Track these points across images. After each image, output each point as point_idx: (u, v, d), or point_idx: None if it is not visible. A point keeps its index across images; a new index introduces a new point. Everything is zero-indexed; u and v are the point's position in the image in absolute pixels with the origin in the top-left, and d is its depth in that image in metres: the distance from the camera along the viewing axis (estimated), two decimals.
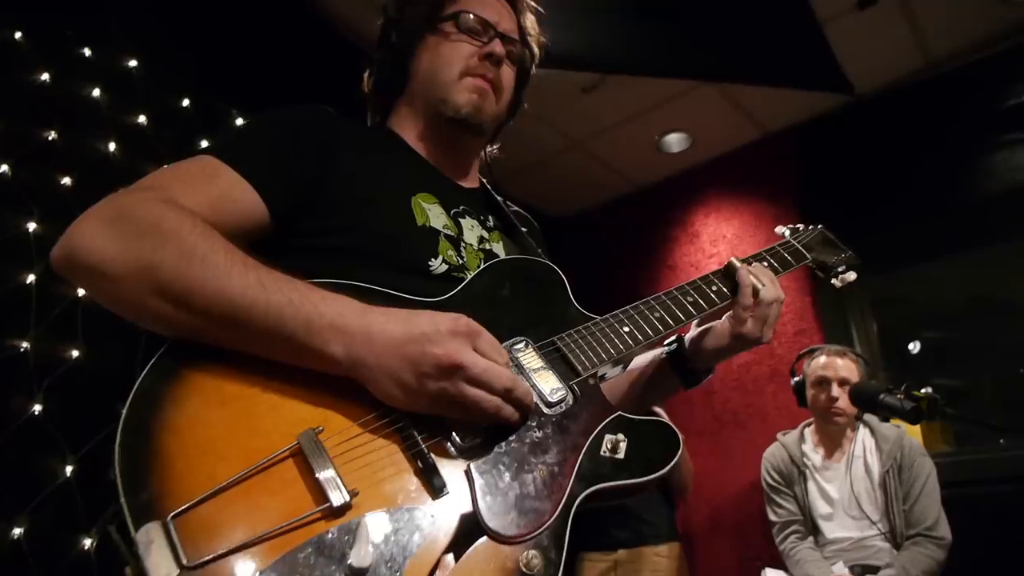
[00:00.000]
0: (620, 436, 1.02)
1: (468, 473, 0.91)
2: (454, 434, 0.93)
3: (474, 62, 1.30)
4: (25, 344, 2.15)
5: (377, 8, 3.44)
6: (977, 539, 3.03)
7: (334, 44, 3.55)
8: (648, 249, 5.06)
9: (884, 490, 2.96)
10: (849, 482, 3.05)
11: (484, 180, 1.50)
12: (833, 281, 1.57)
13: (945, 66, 4.04)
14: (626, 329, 1.18)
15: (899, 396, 2.28)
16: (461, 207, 1.30)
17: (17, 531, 1.98)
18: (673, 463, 1.01)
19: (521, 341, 1.09)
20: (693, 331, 1.37)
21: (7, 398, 2.08)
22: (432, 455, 0.89)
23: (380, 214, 1.16)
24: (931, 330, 4.23)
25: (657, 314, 1.23)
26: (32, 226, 2.27)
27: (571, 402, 1.04)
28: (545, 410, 1.01)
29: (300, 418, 0.88)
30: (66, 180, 2.40)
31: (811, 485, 3.15)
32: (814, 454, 3.19)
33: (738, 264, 1.29)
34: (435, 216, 1.22)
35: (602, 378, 1.19)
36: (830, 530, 3.04)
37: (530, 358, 1.06)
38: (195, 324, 0.89)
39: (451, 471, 0.90)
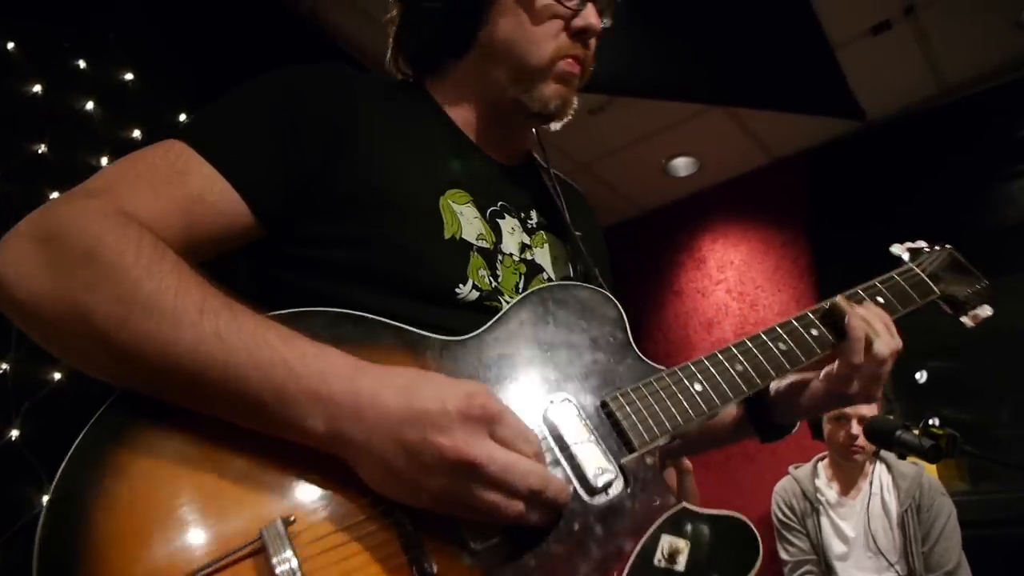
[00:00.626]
0: (681, 541, 0.81)
1: None
2: (464, 533, 0.73)
3: (565, 41, 1.04)
4: (4, 366, 2.06)
5: (374, 23, 3.37)
6: None
7: (332, 57, 3.49)
8: (654, 274, 4.98)
9: (903, 530, 2.84)
10: (865, 520, 2.94)
11: (535, 153, 1.24)
12: (964, 319, 1.29)
13: (958, 93, 4.00)
14: (698, 388, 0.93)
15: (916, 433, 2.20)
16: (499, 203, 1.06)
17: None
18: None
19: (563, 401, 0.86)
20: (777, 381, 1.12)
21: None
22: (434, 562, 0.70)
23: (400, 223, 0.92)
24: (941, 360, 4.14)
25: (739, 367, 0.98)
26: None
27: (621, 488, 0.82)
28: (586, 498, 0.80)
29: (269, 502, 0.70)
30: (55, 195, 2.31)
31: (825, 522, 3.04)
32: (828, 490, 3.08)
33: (846, 307, 1.05)
34: (468, 222, 0.99)
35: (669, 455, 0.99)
36: (845, 571, 2.92)
37: (572, 425, 0.84)
38: (145, 383, 0.72)
39: None
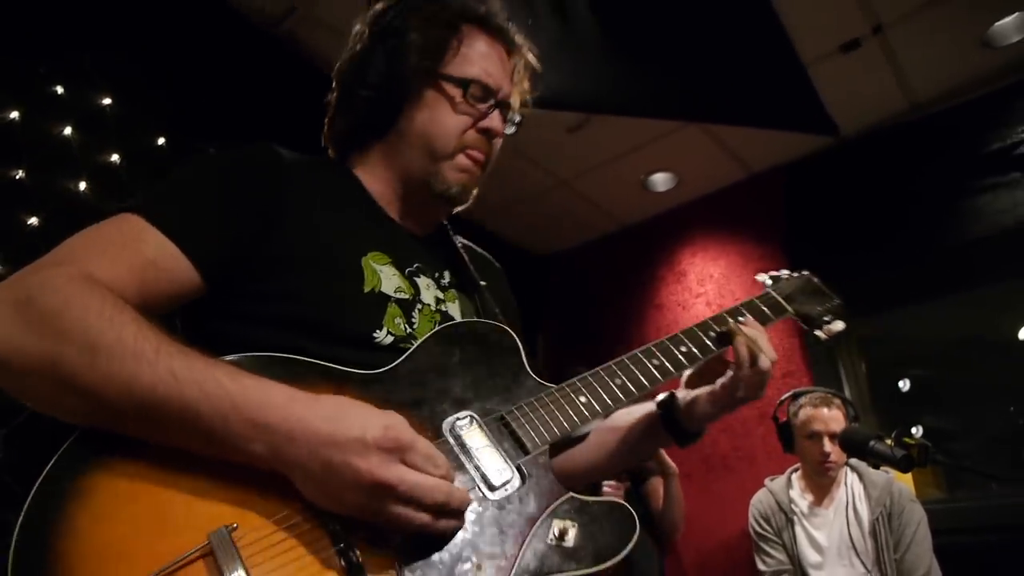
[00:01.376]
0: (569, 522, 0.94)
1: (398, 572, 0.84)
2: (383, 529, 0.85)
3: (471, 137, 1.21)
4: None
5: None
6: None
7: (312, 81, 3.52)
8: (635, 288, 5.03)
9: (875, 537, 2.89)
10: (838, 529, 2.99)
11: (447, 224, 1.39)
12: (817, 332, 1.47)
13: (928, 109, 4.07)
14: (583, 399, 1.09)
15: (889, 443, 2.23)
16: (416, 264, 1.20)
17: None
18: (626, 552, 0.93)
19: (466, 417, 1.01)
20: (684, 394, 1.30)
21: None
22: (358, 553, 0.82)
23: (324, 279, 1.06)
24: (918, 370, 4.21)
25: (618, 380, 1.14)
26: None
27: (517, 484, 0.96)
28: (488, 494, 0.94)
29: (215, 513, 0.81)
30: (33, 220, 2.33)
31: (799, 532, 3.08)
32: (802, 500, 3.13)
33: (735, 329, 1.22)
34: (387, 278, 1.13)
35: (562, 448, 1.14)
36: None
37: (475, 436, 0.99)
38: (108, 420, 0.82)
39: (379, 570, 0.83)
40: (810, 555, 3.02)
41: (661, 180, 4.66)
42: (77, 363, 0.80)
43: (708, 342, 1.26)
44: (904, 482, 3.09)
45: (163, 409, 0.80)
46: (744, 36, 3.47)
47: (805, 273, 1.54)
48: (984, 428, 4.01)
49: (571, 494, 0.98)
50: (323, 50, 3.49)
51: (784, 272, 1.54)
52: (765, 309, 1.38)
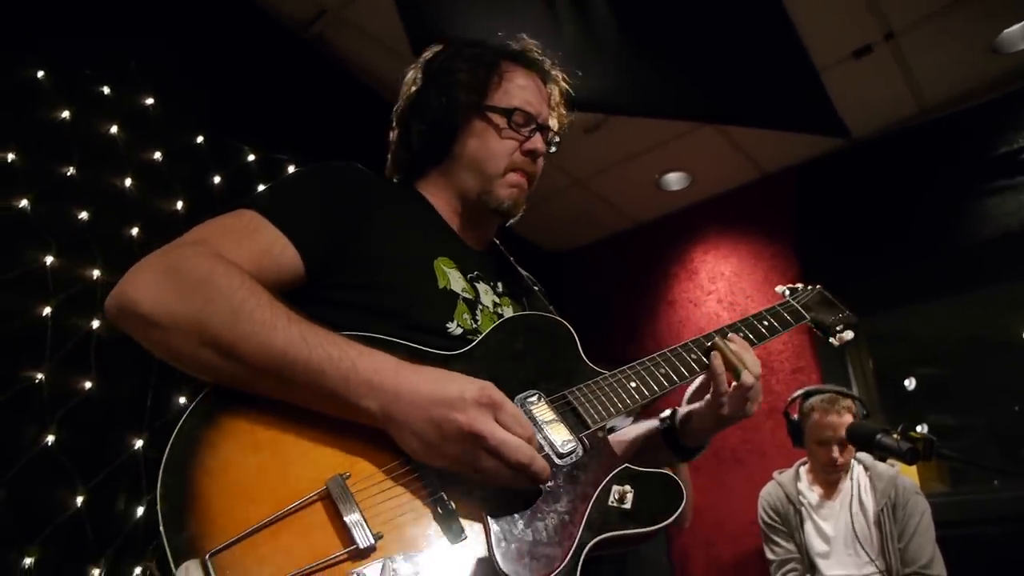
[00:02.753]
0: (627, 487, 1.07)
1: (484, 520, 0.95)
2: (471, 483, 0.98)
3: (518, 158, 1.37)
4: (40, 375, 2.19)
5: (387, 49, 3.51)
6: None
7: (345, 83, 3.65)
8: (647, 285, 5.12)
9: (879, 528, 2.98)
10: (844, 520, 3.08)
11: (497, 242, 1.55)
12: (831, 340, 1.61)
13: (938, 113, 4.14)
14: (633, 384, 1.23)
15: (895, 437, 2.32)
16: (475, 272, 1.34)
17: (28, 561, 2.00)
18: (678, 514, 1.06)
19: (534, 394, 1.13)
20: (683, 408, 1.42)
21: (21, 428, 2.12)
22: (451, 502, 0.94)
23: (404, 275, 1.21)
24: (926, 368, 4.28)
25: (663, 370, 1.28)
26: (49, 260, 2.32)
27: (581, 453, 1.09)
28: (556, 461, 1.06)
29: (329, 464, 0.93)
30: (83, 215, 2.46)
31: (807, 524, 3.17)
32: (810, 492, 3.22)
33: (719, 347, 1.32)
34: (455, 280, 1.27)
35: (610, 430, 1.25)
36: (827, 568, 3.05)
37: (542, 410, 1.11)
38: (241, 375, 0.94)
39: (468, 517, 0.95)
40: (817, 545, 3.12)
41: (675, 179, 4.75)
42: (222, 323, 0.93)
43: (752, 334, 1.43)
44: (909, 476, 3.18)
45: (294, 366, 0.93)
46: (759, 41, 3.56)
47: (818, 287, 1.69)
48: (988, 427, 4.08)
49: (627, 464, 1.11)
50: (350, 52, 3.60)
51: (799, 285, 1.69)
52: (786, 315, 1.53)
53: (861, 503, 3.06)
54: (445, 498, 0.94)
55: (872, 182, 4.29)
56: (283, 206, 1.15)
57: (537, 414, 1.10)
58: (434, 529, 0.93)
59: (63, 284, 2.32)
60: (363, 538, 0.86)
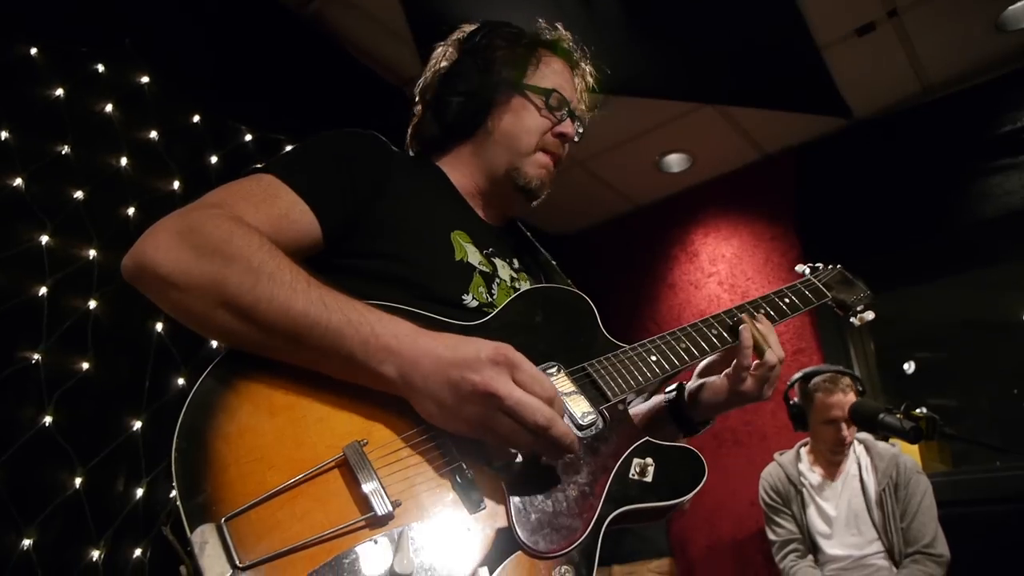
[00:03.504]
0: (648, 460, 1.05)
1: (503, 490, 0.94)
2: (489, 454, 0.96)
3: (549, 139, 1.37)
4: (36, 356, 2.17)
5: (385, 29, 3.47)
6: (974, 559, 3.06)
7: (342, 63, 3.61)
8: (648, 267, 5.10)
9: (881, 508, 2.98)
10: (846, 500, 3.08)
11: (516, 220, 1.54)
12: (852, 320, 1.60)
13: (941, 92, 4.12)
14: (653, 358, 1.22)
15: (898, 416, 2.31)
16: (491, 248, 1.33)
17: (27, 542, 1.99)
18: (699, 487, 1.04)
19: (553, 366, 1.11)
20: (693, 382, 1.41)
21: (18, 409, 2.10)
22: (469, 471, 0.93)
23: (422, 245, 1.19)
24: (926, 350, 4.28)
25: (683, 345, 1.27)
26: (44, 239, 2.30)
27: (601, 426, 1.07)
28: (577, 432, 1.03)
29: (346, 431, 0.92)
30: (78, 194, 2.43)
31: (809, 504, 3.17)
32: (811, 473, 3.22)
33: (744, 321, 1.32)
34: (471, 253, 1.26)
35: (629, 404, 1.22)
36: (829, 548, 3.06)
37: (562, 382, 1.09)
38: (258, 338, 0.93)
39: (487, 487, 0.93)
40: (819, 525, 3.12)
41: (675, 161, 4.72)
42: (241, 284, 0.92)
43: (771, 311, 1.41)
44: (910, 455, 3.18)
45: (313, 329, 0.91)
46: (761, 20, 3.52)
47: (838, 266, 1.67)
48: (988, 409, 4.09)
49: (647, 438, 1.09)
50: (347, 30, 3.56)
51: (819, 264, 1.66)
52: (807, 293, 1.52)
53: (862, 483, 3.06)
54: (464, 467, 0.93)
55: (874, 162, 4.26)
56: (302, 171, 1.14)
57: (557, 385, 1.06)
58: (452, 498, 0.91)
59: (59, 264, 2.29)
60: (381, 505, 0.84)
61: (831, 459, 3.17)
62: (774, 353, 1.29)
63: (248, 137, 3.04)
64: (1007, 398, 3.98)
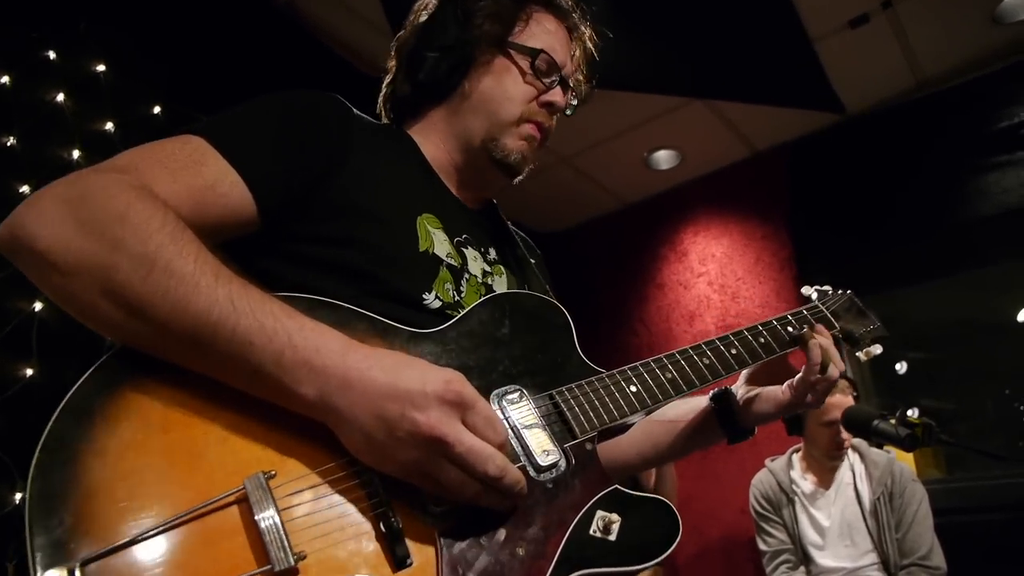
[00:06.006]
0: (614, 515, 0.90)
1: (437, 544, 0.80)
2: (425, 497, 0.82)
3: (534, 107, 1.21)
4: None
5: (361, 19, 3.32)
6: (971, 569, 2.96)
7: (316, 54, 3.48)
8: (636, 267, 4.99)
9: (876, 518, 2.88)
10: (839, 510, 2.98)
11: (495, 201, 1.38)
12: (858, 354, 1.44)
13: (936, 87, 4.03)
14: (633, 389, 1.06)
15: (893, 422, 2.22)
16: (464, 235, 1.18)
17: None
18: (668, 553, 0.89)
19: (516, 391, 0.96)
20: (742, 390, 1.29)
21: None
22: (398, 518, 0.78)
23: (380, 230, 1.03)
24: (919, 351, 4.20)
25: (669, 375, 1.11)
26: None
27: (563, 468, 0.92)
28: (533, 474, 0.89)
29: (252, 457, 0.77)
30: (24, 188, 2.28)
31: (800, 512, 3.07)
32: (803, 481, 3.12)
33: (809, 336, 1.23)
34: (439, 242, 1.10)
35: (617, 431, 1.12)
36: (822, 559, 2.96)
37: (523, 412, 0.94)
38: (149, 336, 0.78)
39: (418, 539, 0.79)
40: (811, 535, 3.01)
41: (664, 158, 4.62)
42: (131, 273, 0.76)
43: (758, 347, 1.24)
44: (905, 462, 3.08)
45: (215, 333, 0.76)
46: (751, 12, 3.41)
47: (848, 292, 1.53)
48: (980, 411, 4.01)
49: (616, 486, 0.94)
50: (321, 20, 3.43)
51: (828, 288, 1.53)
52: (814, 321, 1.38)
53: (857, 492, 2.96)
54: (391, 514, 0.78)
55: (867, 159, 4.18)
56: (238, 135, 0.96)
57: (516, 416, 0.93)
58: (373, 551, 0.76)
59: (2, 263, 2.15)
60: (280, 557, 0.70)
61: (827, 464, 3.07)
62: (836, 368, 1.20)
63: None
64: (1001, 399, 3.91)
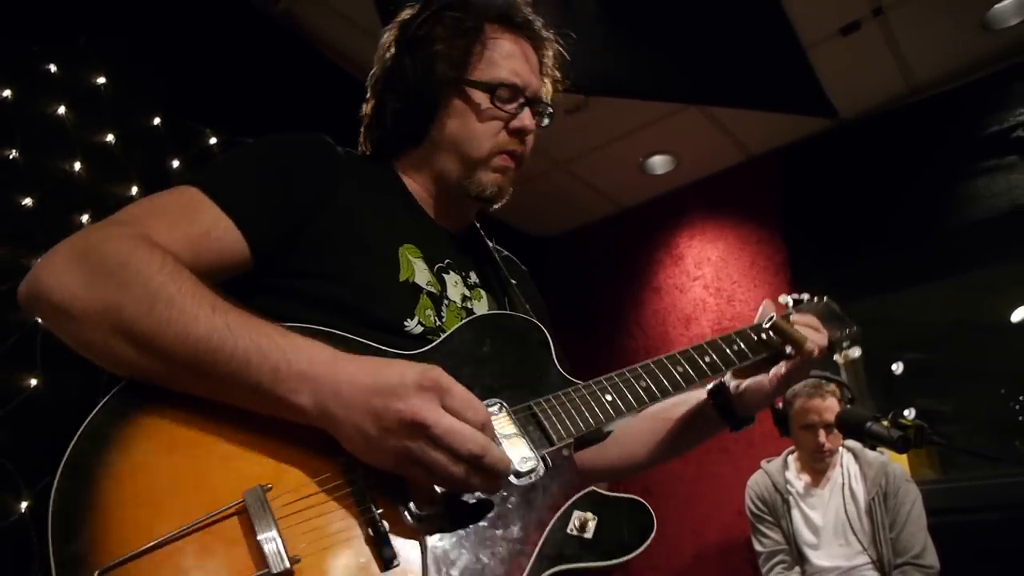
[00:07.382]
0: (589, 514, 0.95)
1: (422, 545, 0.85)
2: (411, 502, 0.87)
3: (504, 138, 1.23)
4: None
5: (357, 27, 3.34)
6: (964, 569, 2.99)
7: (313, 62, 3.50)
8: (632, 271, 5.02)
9: (870, 517, 2.92)
10: (833, 510, 3.01)
11: (477, 225, 1.42)
12: (836, 357, 1.49)
13: (927, 92, 4.06)
14: (608, 398, 1.11)
15: (886, 424, 2.24)
16: (445, 261, 1.23)
17: None
18: (645, 546, 0.94)
19: (496, 403, 1.02)
20: (735, 383, 1.34)
21: None
22: (385, 523, 0.84)
23: (363, 263, 1.09)
24: (914, 352, 4.23)
25: (643, 383, 1.16)
26: None
27: (541, 473, 0.98)
28: (513, 480, 0.95)
29: (251, 473, 0.83)
30: (27, 201, 2.31)
31: (795, 513, 3.11)
32: (798, 481, 3.15)
33: (786, 326, 1.30)
34: (419, 271, 1.16)
35: (601, 437, 1.16)
36: (816, 558, 2.99)
37: (502, 423, 1.00)
38: (158, 368, 0.85)
39: (404, 541, 0.85)
40: (806, 535, 3.05)
41: (659, 163, 4.65)
42: (136, 310, 0.84)
43: (732, 355, 1.29)
44: (899, 463, 3.11)
45: (216, 357, 0.83)
46: (745, 19, 3.45)
47: (826, 299, 1.58)
48: (976, 411, 4.04)
49: (592, 488, 1.00)
50: (319, 30, 3.46)
51: (805, 296, 1.57)
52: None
53: (851, 491, 3.00)
54: (377, 518, 0.83)
55: (860, 164, 4.21)
56: (228, 183, 1.03)
57: (496, 427, 0.97)
58: (363, 554, 0.82)
59: (6, 275, 2.17)
60: (277, 561, 0.76)
61: (815, 466, 3.11)
62: (813, 342, 1.28)
63: (213, 140, 2.92)
64: (995, 399, 3.94)
